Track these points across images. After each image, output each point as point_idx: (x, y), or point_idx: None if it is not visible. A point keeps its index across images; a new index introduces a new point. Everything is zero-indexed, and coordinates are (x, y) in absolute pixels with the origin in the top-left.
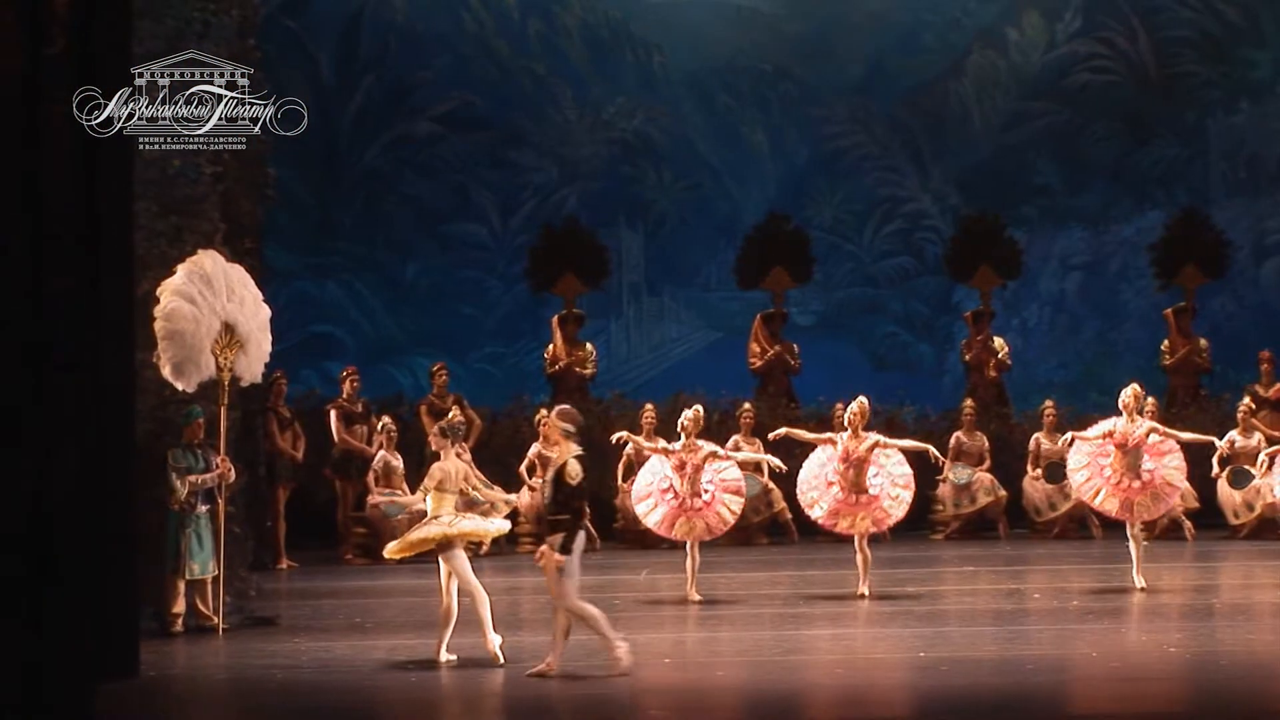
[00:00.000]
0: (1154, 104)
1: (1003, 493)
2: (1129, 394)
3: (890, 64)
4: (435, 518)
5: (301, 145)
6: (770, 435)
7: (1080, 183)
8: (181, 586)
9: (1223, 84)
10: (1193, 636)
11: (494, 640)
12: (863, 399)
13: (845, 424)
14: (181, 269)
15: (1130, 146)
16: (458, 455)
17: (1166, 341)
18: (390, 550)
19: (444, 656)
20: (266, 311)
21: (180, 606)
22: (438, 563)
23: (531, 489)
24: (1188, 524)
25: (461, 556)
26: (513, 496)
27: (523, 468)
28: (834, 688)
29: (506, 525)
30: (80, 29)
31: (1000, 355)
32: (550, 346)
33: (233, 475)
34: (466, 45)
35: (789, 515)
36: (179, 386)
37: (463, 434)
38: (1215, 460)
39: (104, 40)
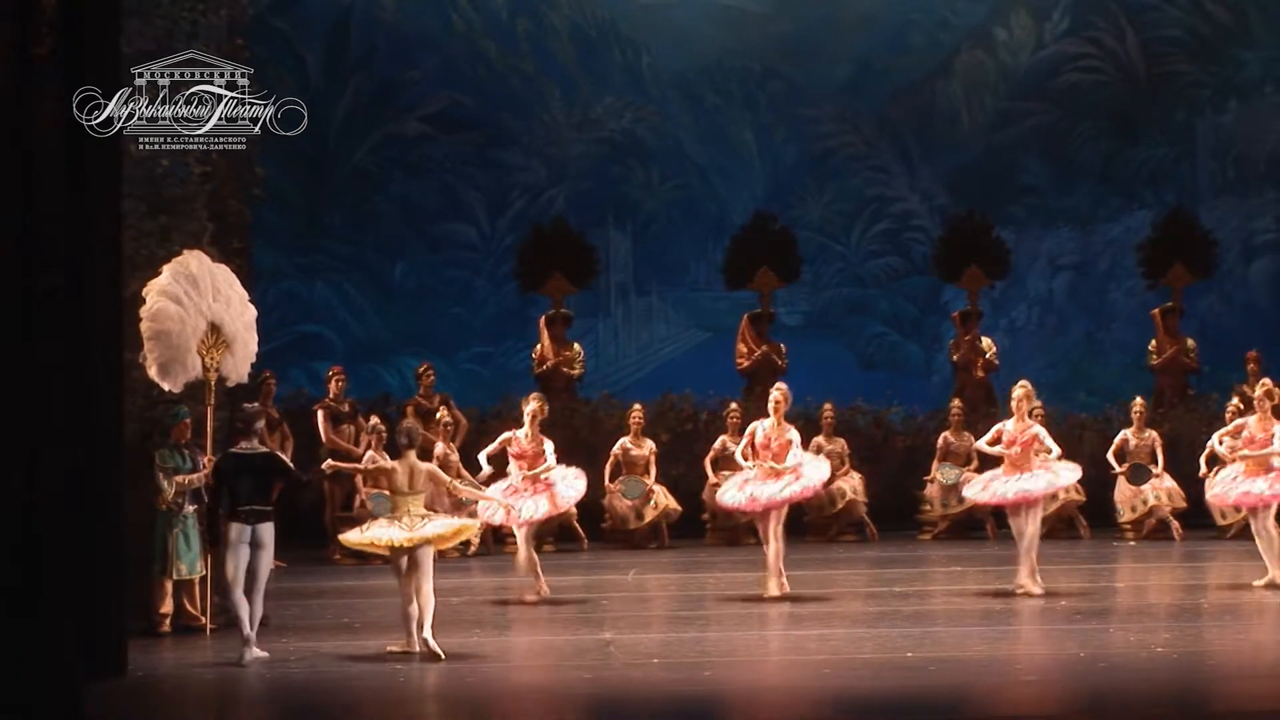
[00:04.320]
0: (1142, 103)
1: None
2: (1019, 392)
3: (879, 64)
4: (396, 520)
5: (290, 145)
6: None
7: (1068, 182)
8: (169, 586)
9: (1211, 83)
10: (1180, 637)
11: (426, 637)
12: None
13: (771, 410)
14: (167, 269)
15: (1119, 146)
16: (447, 454)
17: (1154, 341)
18: (346, 539)
19: (425, 639)
20: (253, 311)
21: (168, 606)
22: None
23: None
24: (1175, 524)
25: (423, 560)
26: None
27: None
28: (821, 688)
29: (471, 524)
30: (69, 29)
31: (988, 355)
32: (538, 346)
33: None
34: (455, 45)
35: None
36: (165, 387)
37: (452, 434)
38: (1203, 460)
39: (92, 40)
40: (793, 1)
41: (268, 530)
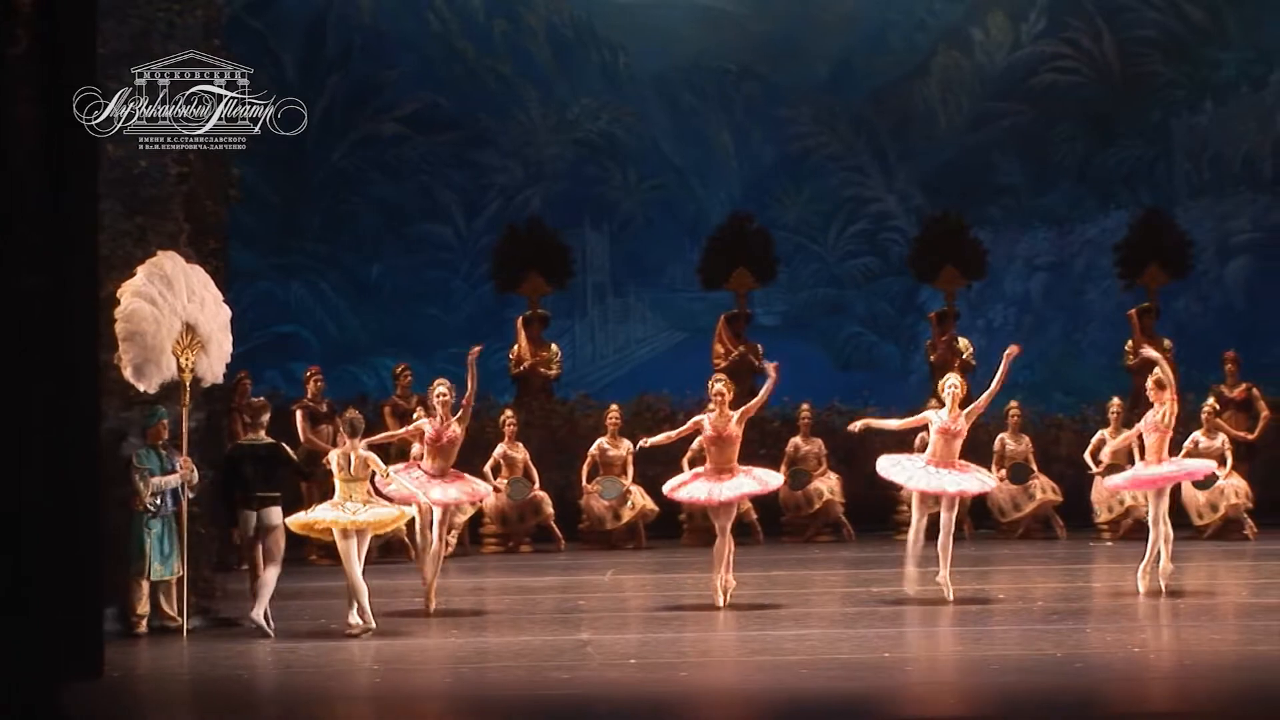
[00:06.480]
0: (1118, 104)
1: None
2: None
3: (856, 64)
4: (338, 506)
5: (267, 145)
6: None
7: (1045, 183)
8: (146, 587)
9: (1187, 84)
10: (1157, 636)
11: (355, 620)
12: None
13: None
14: (141, 270)
15: (1095, 147)
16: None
17: (1130, 342)
18: (291, 521)
19: (354, 620)
20: (227, 312)
21: (144, 607)
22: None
23: (496, 490)
24: None
25: (351, 546)
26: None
27: (487, 468)
28: (798, 688)
29: (409, 511)
30: (44, 28)
31: (965, 355)
32: (515, 347)
33: (196, 476)
34: (431, 46)
35: (754, 516)
36: (140, 387)
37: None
38: (1087, 456)
39: (68, 40)
40: (770, 2)
41: (275, 513)
